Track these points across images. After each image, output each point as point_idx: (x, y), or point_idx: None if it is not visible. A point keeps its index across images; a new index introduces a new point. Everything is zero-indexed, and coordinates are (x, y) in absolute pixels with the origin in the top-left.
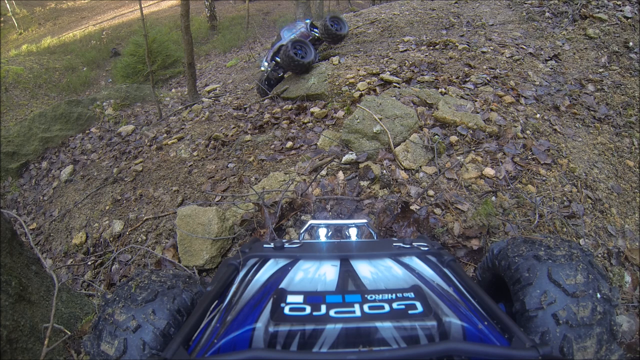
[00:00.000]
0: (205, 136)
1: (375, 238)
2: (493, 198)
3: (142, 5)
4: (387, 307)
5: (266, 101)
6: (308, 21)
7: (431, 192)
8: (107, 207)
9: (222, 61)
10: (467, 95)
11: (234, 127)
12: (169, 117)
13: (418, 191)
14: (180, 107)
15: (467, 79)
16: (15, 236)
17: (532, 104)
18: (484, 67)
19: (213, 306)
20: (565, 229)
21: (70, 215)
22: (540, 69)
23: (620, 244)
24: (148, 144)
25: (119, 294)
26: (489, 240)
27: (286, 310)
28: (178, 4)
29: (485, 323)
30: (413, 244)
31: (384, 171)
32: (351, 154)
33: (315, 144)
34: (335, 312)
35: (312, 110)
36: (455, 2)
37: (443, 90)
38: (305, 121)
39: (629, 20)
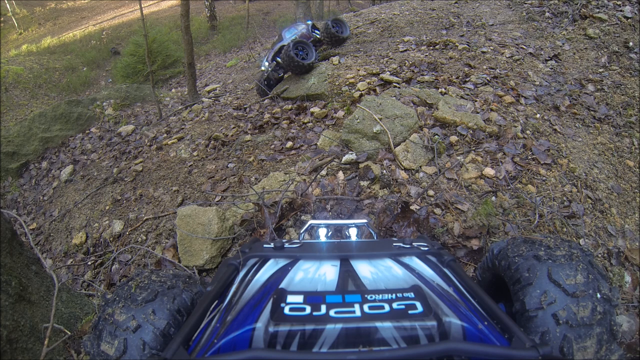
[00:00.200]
0: (205, 136)
1: (375, 238)
2: (493, 198)
3: (142, 5)
4: (387, 307)
5: (266, 101)
6: (310, 22)
7: (431, 192)
8: (107, 207)
9: (222, 61)
10: (467, 95)
11: (234, 127)
12: (169, 117)
13: (418, 191)
14: (180, 107)
15: (467, 79)
16: (15, 236)
17: (532, 104)
18: (484, 67)
19: (213, 306)
20: (565, 229)
21: (70, 215)
22: (540, 69)
23: (620, 244)
24: (148, 144)
25: (119, 294)
26: (489, 240)
27: (286, 310)
28: (178, 4)
29: (485, 323)
30: (413, 244)
31: (384, 171)
32: (351, 154)
33: (315, 144)
34: (335, 312)
35: (312, 110)
36: (455, 2)
37: (443, 90)
38: (305, 121)
39: (629, 20)
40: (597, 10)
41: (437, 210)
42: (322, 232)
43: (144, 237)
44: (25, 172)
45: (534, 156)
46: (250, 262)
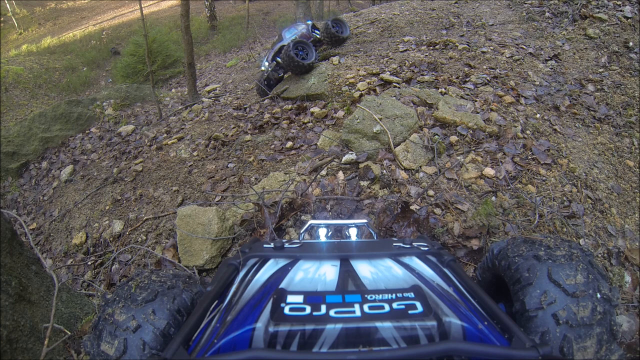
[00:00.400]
0: (205, 136)
1: (375, 238)
2: (493, 198)
3: (142, 5)
4: (387, 307)
5: (266, 101)
6: (310, 22)
7: (431, 192)
8: (107, 207)
9: (222, 61)
10: (467, 95)
11: (234, 127)
12: (169, 117)
13: (418, 191)
14: (180, 107)
15: (467, 79)
16: (15, 236)
17: (532, 104)
18: (484, 67)
19: (213, 306)
20: (565, 229)
21: (70, 215)
22: (540, 69)
23: (620, 244)
24: (148, 144)
25: (119, 294)
26: (489, 240)
27: (286, 310)
28: (178, 4)
29: (485, 323)
30: (413, 244)
31: (384, 171)
32: (351, 154)
33: (315, 144)
34: (335, 312)
35: (312, 110)
36: (455, 2)
37: (443, 90)
38: (305, 121)
39: (629, 20)
40: (597, 10)
41: (437, 210)
42: (322, 232)
43: (144, 237)
44: (25, 172)
45: (534, 156)
46: (250, 262)
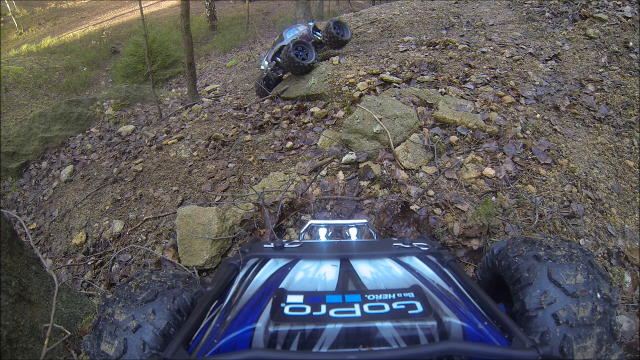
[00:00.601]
0: (205, 136)
1: (375, 238)
2: (493, 198)
3: (142, 5)
4: (387, 307)
5: (266, 101)
6: (311, 24)
7: (431, 192)
8: (107, 207)
9: (222, 61)
10: (467, 95)
11: (234, 127)
12: (169, 117)
13: (418, 191)
14: (180, 107)
15: (467, 79)
16: (15, 236)
17: (532, 104)
18: (484, 67)
19: (213, 306)
20: (565, 229)
21: (70, 215)
22: (540, 69)
23: (620, 244)
24: (148, 144)
25: (119, 294)
26: (489, 240)
27: (286, 310)
28: (178, 4)
29: (485, 323)
30: (413, 244)
31: (384, 171)
32: (351, 154)
33: (315, 144)
34: (335, 312)
35: (312, 110)
36: (455, 2)
37: (443, 90)
38: (305, 121)
39: (629, 20)
40: (597, 10)
41: (437, 210)
42: (322, 232)
43: (144, 237)
44: (25, 172)
45: (534, 156)
46: (250, 262)
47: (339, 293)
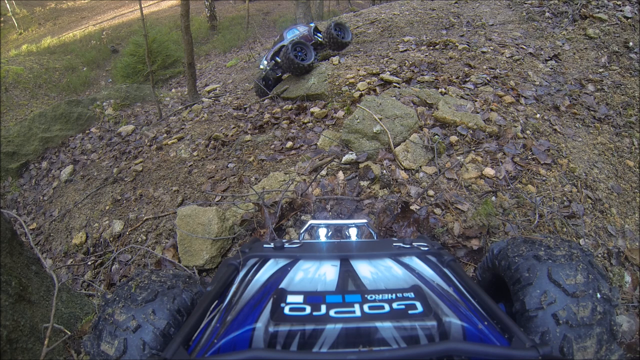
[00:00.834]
0: (205, 136)
1: (375, 238)
2: (493, 198)
3: (142, 5)
4: (387, 307)
5: (266, 101)
6: (312, 25)
7: (431, 192)
8: (107, 207)
9: (222, 61)
10: (467, 95)
11: (234, 127)
12: (169, 117)
13: (418, 191)
14: (180, 107)
15: (467, 79)
16: (15, 236)
17: (532, 104)
18: (484, 67)
19: (213, 306)
20: (565, 229)
21: (70, 215)
22: (540, 69)
23: (620, 244)
24: (148, 144)
25: (119, 294)
26: (489, 240)
27: (286, 310)
28: (178, 4)
29: (485, 323)
30: (413, 244)
31: (384, 171)
32: (351, 154)
33: (315, 144)
34: (335, 312)
35: (312, 110)
36: (455, 2)
37: (443, 90)
38: (305, 121)
39: (629, 20)
40: (597, 10)
41: (437, 210)
42: (322, 232)
43: (144, 237)
44: (25, 172)
45: (534, 156)
46: (250, 262)
47: (339, 293)
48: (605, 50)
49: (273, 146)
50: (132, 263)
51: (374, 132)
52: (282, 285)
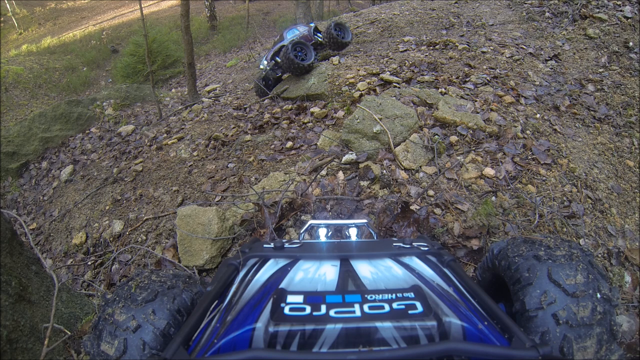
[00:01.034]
0: (205, 136)
1: (375, 238)
2: (493, 198)
3: (142, 5)
4: (387, 307)
5: (266, 101)
6: (312, 25)
7: (431, 192)
8: (107, 207)
9: (222, 61)
10: (467, 95)
11: (234, 127)
12: (169, 117)
13: (418, 191)
14: (180, 107)
15: (467, 79)
16: (15, 236)
17: (532, 104)
18: (484, 67)
19: (213, 306)
20: (565, 229)
21: (70, 215)
22: (540, 69)
23: (620, 244)
24: (148, 144)
25: (119, 294)
26: (489, 240)
27: (286, 310)
28: (178, 4)
29: (485, 323)
30: (413, 244)
31: (384, 171)
32: (351, 154)
33: (315, 144)
34: (335, 312)
35: (312, 110)
36: (455, 2)
37: (443, 90)
38: (305, 121)
39: (629, 20)
40: (597, 10)
41: (437, 210)
42: (322, 232)
43: (144, 237)
44: (25, 172)
45: (534, 156)
46: (250, 262)
47: (339, 293)
48: (605, 50)
49: (273, 146)
50: (132, 263)
51: (374, 132)
52: (282, 285)
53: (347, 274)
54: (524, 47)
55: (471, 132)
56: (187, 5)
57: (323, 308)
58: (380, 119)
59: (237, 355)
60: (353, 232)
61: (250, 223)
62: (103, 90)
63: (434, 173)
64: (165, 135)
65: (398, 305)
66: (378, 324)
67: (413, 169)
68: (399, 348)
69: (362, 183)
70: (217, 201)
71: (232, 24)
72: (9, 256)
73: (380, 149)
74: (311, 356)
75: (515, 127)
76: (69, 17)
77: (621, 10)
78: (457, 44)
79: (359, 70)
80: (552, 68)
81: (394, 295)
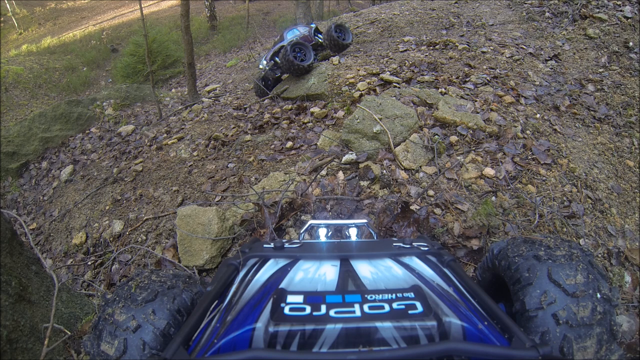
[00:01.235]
0: (205, 136)
1: (375, 238)
2: (493, 198)
3: (142, 5)
4: (387, 307)
5: (266, 101)
6: (313, 25)
7: (431, 192)
8: (107, 207)
9: (222, 61)
10: (467, 95)
11: (234, 127)
12: (169, 117)
13: (418, 191)
14: (180, 107)
15: (467, 79)
16: (15, 236)
17: (532, 104)
18: (484, 67)
19: (213, 306)
20: (565, 229)
21: (70, 215)
22: (540, 69)
23: (620, 244)
24: (148, 144)
25: (119, 294)
26: (489, 240)
27: (286, 310)
28: (178, 4)
29: (485, 323)
30: (413, 244)
31: (384, 171)
32: (351, 154)
33: (315, 144)
34: (335, 312)
35: (312, 110)
36: (455, 2)
37: (443, 90)
38: (305, 121)
39: (629, 20)
40: (597, 10)
41: (437, 210)
42: (322, 232)
43: (144, 237)
44: (25, 172)
45: (534, 156)
46: (250, 262)
47: (339, 293)
48: (605, 50)
49: (273, 146)
50: (132, 263)
51: (374, 132)
52: (282, 285)
53: (347, 274)
54: (524, 47)
55: (471, 132)
56: (187, 5)
57: (323, 308)
58: (380, 119)
59: (237, 355)
60: (353, 232)
61: (250, 223)
62: (103, 90)
63: (434, 173)
64: (165, 135)
65: (398, 305)
66: (378, 324)
67: (413, 169)
68: (399, 348)
69: (362, 183)
70: (217, 201)
71: (232, 24)
72: (9, 256)
73: (380, 149)
74: (311, 356)
75: (515, 127)
76: (69, 17)
77: (621, 10)
78: (457, 44)
79: (359, 70)
80: (552, 68)
81: (394, 295)
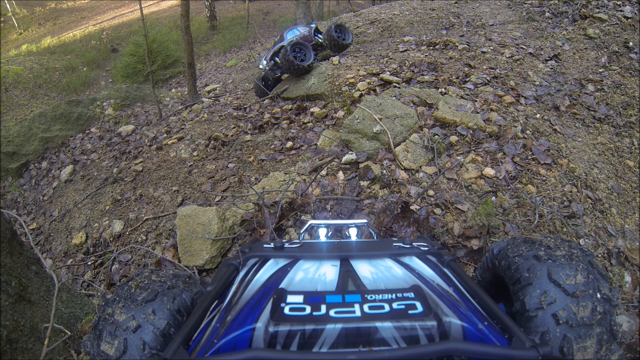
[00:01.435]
0: (205, 136)
1: (375, 238)
2: (493, 198)
3: (142, 5)
4: (387, 307)
5: (266, 101)
6: (313, 25)
7: (431, 192)
8: (107, 207)
9: (222, 61)
10: (467, 95)
11: (234, 127)
12: (169, 117)
13: (418, 191)
14: (180, 107)
15: (467, 79)
16: (15, 236)
17: (532, 104)
18: (484, 67)
19: (213, 306)
20: (565, 229)
21: (70, 215)
22: (540, 69)
23: (620, 244)
24: (148, 144)
25: (119, 294)
26: (489, 240)
27: (286, 310)
28: (178, 4)
29: (485, 323)
30: (413, 244)
31: (384, 171)
32: (351, 154)
33: (315, 144)
34: (335, 312)
35: (312, 110)
36: (455, 2)
37: (443, 90)
38: (305, 121)
39: (629, 20)
40: (597, 10)
41: (437, 210)
42: (322, 232)
43: (144, 237)
44: (25, 172)
45: (534, 156)
46: (250, 262)
47: (339, 293)
48: (605, 50)
49: (273, 146)
50: (132, 263)
51: (374, 132)
52: (282, 285)
53: (347, 274)
54: (524, 47)
55: (471, 132)
56: (187, 5)
57: (323, 308)
58: (380, 119)
59: (237, 355)
60: (353, 232)
61: (250, 223)
62: (103, 90)
63: (434, 173)
64: (165, 135)
65: (398, 305)
66: (378, 324)
67: (413, 169)
68: (399, 348)
69: (362, 183)
70: (217, 201)
71: (232, 24)
72: (9, 256)
73: (380, 149)
74: (311, 356)
75: (515, 127)
76: (69, 17)
77: (621, 10)
78: (457, 44)
79: (359, 70)
80: (552, 68)
81: (394, 295)
